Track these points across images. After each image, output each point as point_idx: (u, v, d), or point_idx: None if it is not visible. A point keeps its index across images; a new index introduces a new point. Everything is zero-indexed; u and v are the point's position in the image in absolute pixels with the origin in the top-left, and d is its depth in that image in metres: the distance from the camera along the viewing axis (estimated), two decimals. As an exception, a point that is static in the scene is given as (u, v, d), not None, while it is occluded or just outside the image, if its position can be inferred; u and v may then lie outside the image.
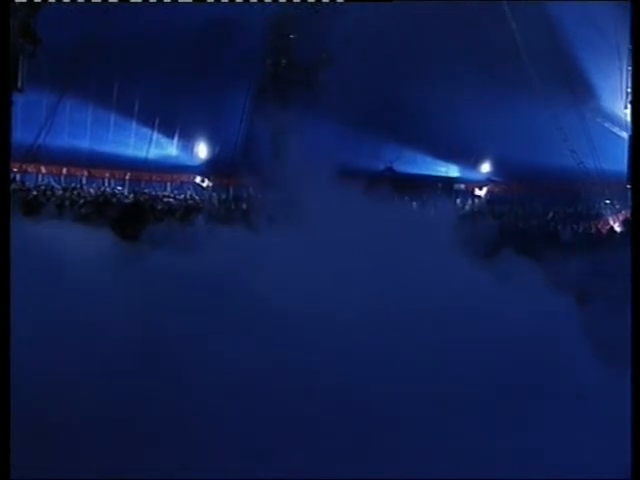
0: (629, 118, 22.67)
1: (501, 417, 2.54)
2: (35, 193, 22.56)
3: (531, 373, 2.69)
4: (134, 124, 25.85)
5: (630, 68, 21.85)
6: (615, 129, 23.79)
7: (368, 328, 2.76)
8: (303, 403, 2.45)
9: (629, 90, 22.00)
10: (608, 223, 23.18)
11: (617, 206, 23.74)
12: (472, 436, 2.45)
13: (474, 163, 27.51)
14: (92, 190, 25.46)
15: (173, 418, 2.38)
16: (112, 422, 2.40)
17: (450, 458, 2.40)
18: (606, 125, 24.07)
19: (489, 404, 2.57)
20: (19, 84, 16.71)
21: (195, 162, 27.58)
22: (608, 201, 23.72)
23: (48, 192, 23.66)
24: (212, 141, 27.14)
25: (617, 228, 22.56)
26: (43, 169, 25.13)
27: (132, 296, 2.92)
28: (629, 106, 22.20)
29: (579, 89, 23.48)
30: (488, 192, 27.93)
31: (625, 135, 22.56)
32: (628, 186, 22.31)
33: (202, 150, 27.46)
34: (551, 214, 24.98)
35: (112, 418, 2.40)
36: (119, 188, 26.36)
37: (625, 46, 21.73)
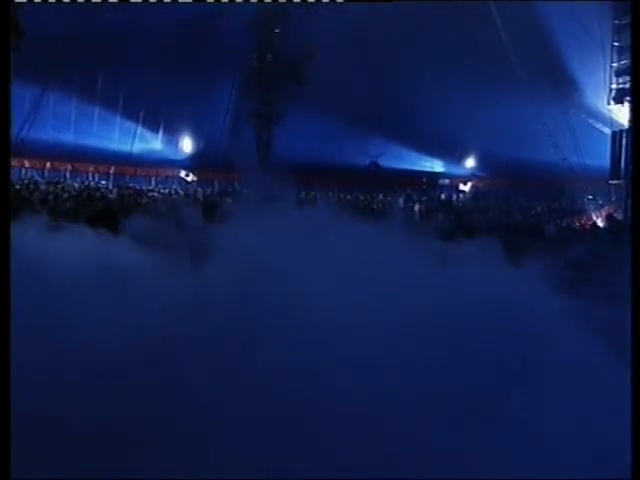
0: (612, 114, 22.86)
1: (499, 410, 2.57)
2: (18, 187, 22.39)
3: (521, 365, 2.72)
4: (118, 118, 25.70)
5: (614, 65, 22.04)
6: (598, 125, 23.96)
7: (360, 330, 2.78)
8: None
9: (612, 87, 22.17)
10: (591, 218, 23.36)
11: (600, 202, 23.94)
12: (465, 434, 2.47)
13: (459, 158, 27.61)
14: (76, 184, 25.29)
15: (164, 419, 2.40)
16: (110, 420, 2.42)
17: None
18: (590, 121, 24.23)
19: (486, 400, 2.59)
20: (2, 77, 16.58)
21: (180, 156, 27.47)
22: (591, 196, 23.91)
23: (32, 186, 23.48)
24: (197, 135, 27.04)
25: (600, 223, 22.74)
26: (27, 163, 24.93)
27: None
28: (612, 102, 22.39)
29: (564, 85, 23.64)
30: (472, 187, 28.04)
31: (608, 131, 22.75)
32: (610, 182, 22.54)
33: (187, 144, 27.35)
34: (539, 208, 25.11)
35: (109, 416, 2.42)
36: (103, 182, 26.20)
37: (609, 43, 21.91)
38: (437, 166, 28.12)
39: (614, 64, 22.03)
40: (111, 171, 26.47)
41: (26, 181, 24.17)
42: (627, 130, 21.58)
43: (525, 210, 25.07)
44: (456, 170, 28.08)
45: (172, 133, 27.03)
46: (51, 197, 22.03)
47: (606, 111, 23.14)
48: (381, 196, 26.21)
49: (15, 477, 2.22)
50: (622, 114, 22.18)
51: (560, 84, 23.25)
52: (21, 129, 21.60)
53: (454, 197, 27.61)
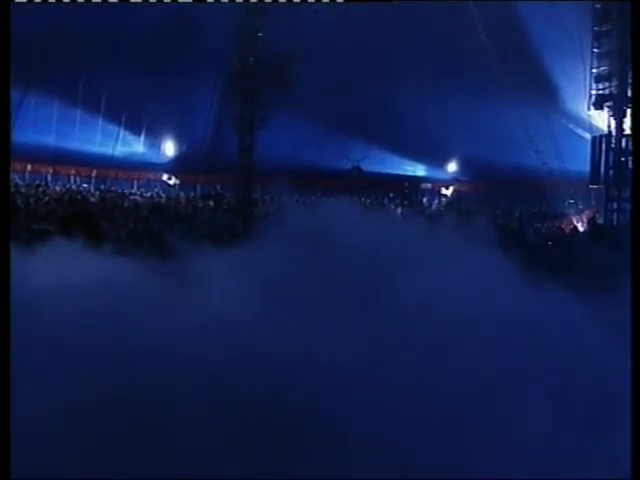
0: (592, 120, 23.08)
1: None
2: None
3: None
4: (100, 121, 25.55)
5: (594, 71, 22.25)
6: (579, 130, 24.16)
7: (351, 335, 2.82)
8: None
9: (592, 92, 22.35)
10: (571, 222, 23.56)
11: (580, 206, 24.15)
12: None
13: (441, 163, 27.71)
14: (57, 187, 25.11)
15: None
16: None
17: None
18: (570, 126, 24.42)
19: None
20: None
21: (162, 160, 27.34)
22: (572, 201, 24.10)
23: (12, 189, 23.28)
24: (179, 138, 26.94)
25: (580, 227, 22.97)
26: (7, 166, 24.70)
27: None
28: (592, 108, 22.57)
29: (545, 91, 23.83)
30: (454, 191, 28.14)
31: (588, 136, 22.95)
32: (590, 186, 22.76)
33: (169, 147, 27.24)
34: (517, 213, 25.27)
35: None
36: (85, 185, 26.03)
37: (588, 49, 22.11)
38: (419, 170, 28.20)
39: (594, 70, 22.18)
40: (93, 174, 26.32)
41: (6, 184, 23.94)
42: (606, 135, 21.77)
43: (507, 214, 25.22)
44: (438, 174, 28.18)
45: (154, 136, 26.92)
46: (32, 200, 21.90)
47: (586, 116, 23.32)
48: (363, 200, 26.26)
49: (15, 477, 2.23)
50: (602, 119, 22.37)
51: (541, 90, 23.44)
52: (1, 131, 21.38)
53: (435, 201, 27.70)
